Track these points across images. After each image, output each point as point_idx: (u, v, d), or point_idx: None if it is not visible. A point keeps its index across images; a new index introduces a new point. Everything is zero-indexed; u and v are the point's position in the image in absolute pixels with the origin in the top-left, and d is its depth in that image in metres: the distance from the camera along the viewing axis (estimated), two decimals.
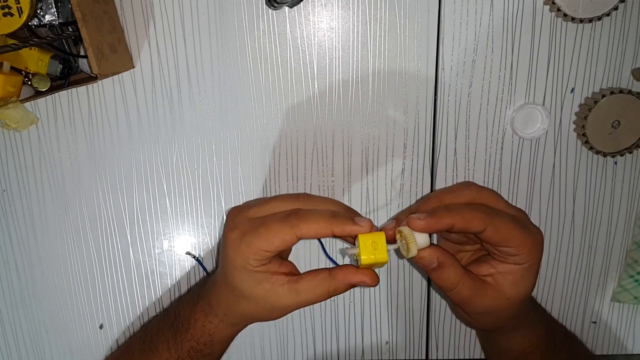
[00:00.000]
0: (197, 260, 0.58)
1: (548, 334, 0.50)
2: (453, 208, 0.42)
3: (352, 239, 0.45)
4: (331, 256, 0.57)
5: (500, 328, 0.52)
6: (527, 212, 0.47)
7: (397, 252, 0.44)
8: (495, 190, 0.56)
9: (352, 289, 0.59)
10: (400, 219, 0.44)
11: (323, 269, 0.45)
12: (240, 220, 0.45)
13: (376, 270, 0.44)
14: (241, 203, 0.54)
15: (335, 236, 0.43)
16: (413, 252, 0.42)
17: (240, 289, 0.45)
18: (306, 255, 0.58)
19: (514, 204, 0.56)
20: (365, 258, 0.41)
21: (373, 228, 0.42)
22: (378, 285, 0.58)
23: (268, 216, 0.44)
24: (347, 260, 0.58)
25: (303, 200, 0.45)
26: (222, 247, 0.46)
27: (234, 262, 0.44)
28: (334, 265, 0.45)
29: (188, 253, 0.58)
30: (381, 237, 0.41)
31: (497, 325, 0.52)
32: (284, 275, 0.44)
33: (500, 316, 0.47)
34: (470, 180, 0.56)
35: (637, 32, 0.53)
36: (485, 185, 0.56)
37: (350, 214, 0.44)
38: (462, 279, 0.43)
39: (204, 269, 0.58)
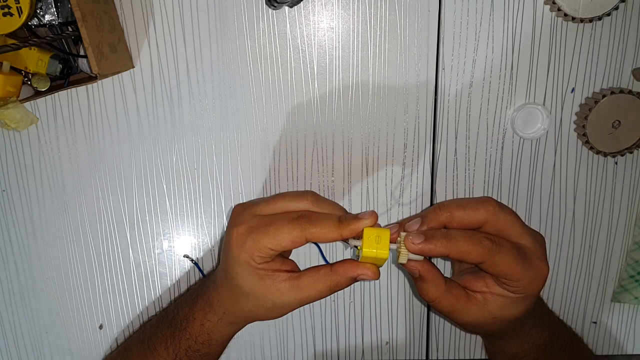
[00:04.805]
0: (194, 263, 0.58)
1: (547, 341, 0.50)
2: (453, 236, 0.41)
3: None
4: (329, 260, 0.57)
5: (489, 335, 0.52)
6: (544, 238, 0.45)
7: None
8: (496, 190, 0.57)
9: (352, 288, 0.59)
10: (403, 224, 0.44)
11: (324, 265, 0.45)
12: (247, 217, 0.45)
13: None
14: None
15: (343, 238, 0.43)
16: (402, 260, 0.42)
17: (241, 286, 0.45)
18: (306, 255, 0.58)
19: (514, 206, 0.57)
20: (367, 251, 0.41)
21: (377, 223, 0.42)
22: (378, 286, 0.59)
23: (278, 216, 0.44)
24: (347, 254, 0.58)
25: (311, 200, 0.45)
26: (225, 243, 0.46)
27: (238, 257, 0.44)
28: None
29: (186, 256, 0.58)
30: (386, 234, 0.41)
31: (482, 334, 0.51)
32: (286, 272, 0.44)
33: (486, 329, 0.47)
34: (471, 180, 0.56)
35: (637, 32, 0.53)
36: (487, 187, 0.57)
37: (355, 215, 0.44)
38: (442, 295, 0.43)
39: (201, 272, 0.58)
